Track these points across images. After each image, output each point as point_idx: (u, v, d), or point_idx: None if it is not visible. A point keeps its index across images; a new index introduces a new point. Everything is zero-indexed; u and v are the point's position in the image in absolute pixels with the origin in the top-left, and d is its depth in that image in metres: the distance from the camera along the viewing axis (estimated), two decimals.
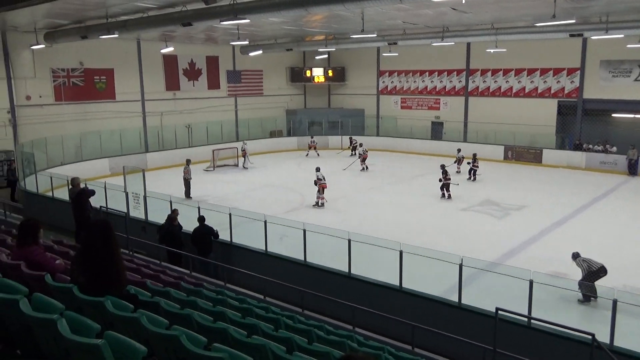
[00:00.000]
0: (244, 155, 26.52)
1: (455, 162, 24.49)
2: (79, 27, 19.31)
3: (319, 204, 18.14)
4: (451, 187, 19.60)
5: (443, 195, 19.46)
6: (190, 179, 19.78)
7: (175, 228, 11.85)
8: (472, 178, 22.70)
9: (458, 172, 23.97)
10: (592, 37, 21.63)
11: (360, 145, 26.99)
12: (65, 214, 13.66)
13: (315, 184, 18.39)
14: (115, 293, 3.73)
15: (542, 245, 14.07)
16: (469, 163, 23.08)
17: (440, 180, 19.55)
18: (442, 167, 20.02)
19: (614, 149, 25.03)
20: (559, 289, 10.05)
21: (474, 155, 23.10)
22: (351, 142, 30.29)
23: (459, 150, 24.94)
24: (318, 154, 29.62)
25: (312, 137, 30.71)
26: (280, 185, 21.84)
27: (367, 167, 25.27)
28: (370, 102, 34.68)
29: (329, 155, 30.11)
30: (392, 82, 33.82)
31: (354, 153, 28.67)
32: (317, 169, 19.03)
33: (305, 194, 20.28)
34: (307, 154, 29.69)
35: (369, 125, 34.39)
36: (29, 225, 5.01)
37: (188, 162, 20.16)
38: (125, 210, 13.50)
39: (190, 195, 19.34)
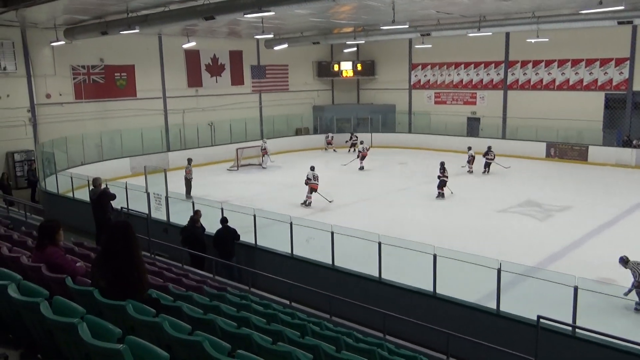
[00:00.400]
0: (264, 154, 26.62)
1: (467, 161, 24.17)
2: (98, 23, 19.73)
3: (307, 203, 18.54)
4: (448, 186, 19.66)
5: (439, 194, 19.43)
6: (192, 178, 20.12)
7: (198, 230, 11.99)
8: (486, 171, 23.66)
9: (470, 171, 23.83)
10: None
11: (361, 142, 27.08)
12: (86, 216, 13.95)
13: (306, 183, 18.78)
14: (136, 297, 3.80)
15: (587, 249, 13.78)
16: (484, 156, 23.85)
17: (438, 177, 19.63)
18: (442, 164, 19.96)
19: None
20: (606, 296, 9.82)
21: (489, 147, 24.01)
22: (351, 137, 30.45)
23: (469, 149, 24.47)
24: (335, 150, 29.86)
25: (328, 134, 31.40)
26: (306, 186, 21.85)
27: (363, 167, 25.06)
28: (402, 98, 34.47)
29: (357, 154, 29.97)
30: (425, 75, 33.55)
31: (353, 149, 28.80)
32: (312, 168, 19.40)
33: (333, 194, 20.28)
34: (326, 149, 30.38)
35: (400, 121, 34.19)
36: (49, 226, 5.15)
37: (189, 161, 20.52)
38: (147, 212, 13.70)
39: (191, 195, 19.25)
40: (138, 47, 26.12)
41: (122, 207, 13.59)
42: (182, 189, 19.63)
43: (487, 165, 23.82)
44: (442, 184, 19.56)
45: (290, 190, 21.40)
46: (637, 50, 25.40)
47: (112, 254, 3.88)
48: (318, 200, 19.52)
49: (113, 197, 13.09)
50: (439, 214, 17.34)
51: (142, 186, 14.55)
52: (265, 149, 26.66)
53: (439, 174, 19.67)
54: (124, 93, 26.22)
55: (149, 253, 11.28)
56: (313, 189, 18.68)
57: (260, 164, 26.67)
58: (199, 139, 28.21)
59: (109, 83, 25.63)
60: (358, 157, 25.53)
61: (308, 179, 18.78)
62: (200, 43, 27.68)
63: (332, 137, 31.47)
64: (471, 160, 24.11)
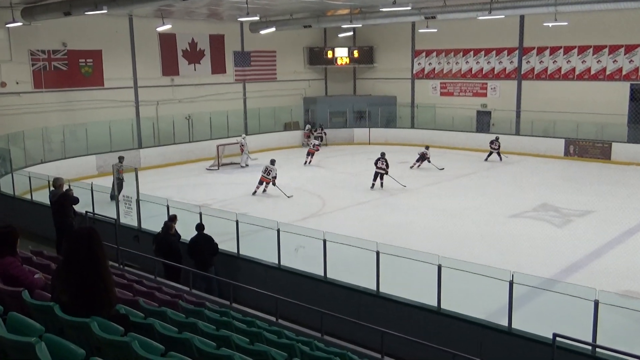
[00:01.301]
0: (243, 151, 26.57)
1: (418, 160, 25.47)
2: (61, 2, 19.64)
3: (254, 192, 20.68)
4: (385, 179, 21.24)
5: (375, 184, 21.26)
6: (123, 179, 19.28)
7: (173, 238, 11.97)
8: (500, 159, 26.61)
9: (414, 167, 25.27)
10: None
11: (316, 137, 28.54)
12: (46, 221, 13.89)
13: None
14: (102, 313, 3.79)
15: (610, 258, 13.87)
16: (492, 142, 27.00)
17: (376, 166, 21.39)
18: (382, 154, 21.63)
19: None
20: (631, 311, 9.89)
21: (497, 137, 27.16)
22: (321, 130, 31.10)
23: (427, 148, 25.56)
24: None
25: (307, 125, 32.19)
26: (296, 187, 21.89)
27: (309, 162, 26.32)
28: (404, 88, 34.59)
29: (354, 151, 30.09)
30: (430, 64, 33.68)
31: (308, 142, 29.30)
32: (272, 162, 20.94)
33: (327, 197, 20.34)
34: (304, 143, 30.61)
35: (402, 115, 34.31)
36: (5, 233, 5.12)
37: (121, 159, 20.33)
38: (115, 217, 13.67)
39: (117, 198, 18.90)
40: (106, 30, 26.04)
41: (86, 211, 13.54)
42: (157, 190, 19.55)
43: (490, 154, 26.69)
44: (376, 175, 21.28)
45: (277, 192, 21.40)
46: None
47: (75, 265, 3.86)
48: (309, 204, 19.58)
49: (76, 200, 13.04)
50: (444, 219, 17.41)
51: (110, 187, 14.49)
52: (243, 145, 26.59)
53: (378, 164, 21.35)
54: (89, 82, 26.14)
55: (118, 263, 11.25)
56: (261, 181, 20.71)
57: (239, 163, 26.63)
58: (174, 134, 28.17)
59: (72, 70, 25.54)
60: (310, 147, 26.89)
61: (262, 171, 20.80)
62: (177, 26, 27.64)
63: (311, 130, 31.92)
64: (420, 159, 25.40)
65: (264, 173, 20.73)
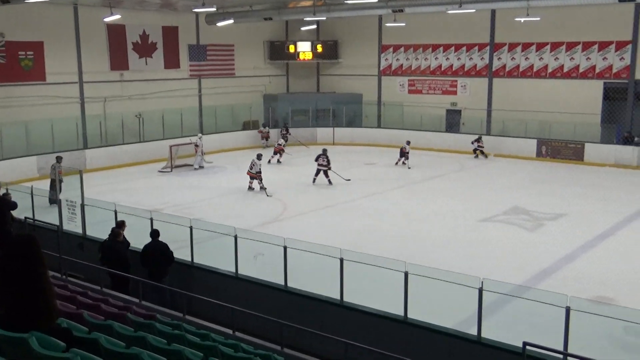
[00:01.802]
0: (197, 152, 26.37)
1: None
2: None
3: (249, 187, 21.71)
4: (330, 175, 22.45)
5: (316, 180, 22.59)
6: (62, 181, 18.27)
7: (121, 245, 11.84)
8: (486, 157, 28.37)
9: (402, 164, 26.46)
10: None
11: (284, 136, 29.48)
12: None
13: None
14: (42, 327, 3.75)
15: (582, 263, 14.24)
16: (473, 142, 28.49)
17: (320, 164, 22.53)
18: (324, 151, 23.04)
19: None
20: (603, 318, 10.16)
21: (480, 137, 28.70)
22: (286, 130, 31.48)
23: (408, 143, 26.92)
24: (266, 145, 30.96)
25: (263, 126, 32.61)
26: (255, 191, 21.86)
27: (273, 160, 27.18)
28: (370, 85, 34.86)
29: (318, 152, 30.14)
30: (398, 59, 34.02)
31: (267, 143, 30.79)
32: (258, 156, 21.96)
33: (288, 201, 20.36)
34: (266, 145, 31.07)
35: (368, 114, 34.55)
36: None
37: (59, 159, 20.15)
38: (58, 223, 13.45)
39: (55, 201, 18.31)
40: (48, 19, 25.59)
41: (25, 217, 13.29)
42: (104, 194, 19.29)
43: (481, 153, 28.58)
44: (318, 172, 22.63)
45: (236, 196, 21.34)
46: None
47: (12, 276, 3.82)
48: (269, 208, 19.57)
49: (14, 205, 12.79)
50: (412, 224, 17.60)
51: (48, 190, 14.26)
52: (198, 145, 26.35)
53: (319, 160, 22.67)
54: (30, 76, 25.63)
55: (60, 273, 11.06)
56: (249, 176, 21.54)
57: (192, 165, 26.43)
58: (124, 133, 27.84)
59: (11, 63, 24.99)
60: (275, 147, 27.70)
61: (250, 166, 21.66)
62: (127, 17, 27.34)
63: (269, 130, 32.30)
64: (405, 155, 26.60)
65: (249, 167, 21.68)
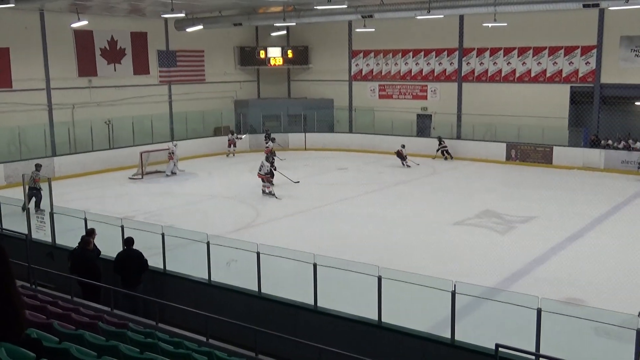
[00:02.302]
0: (171, 159, 26.18)
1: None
2: None
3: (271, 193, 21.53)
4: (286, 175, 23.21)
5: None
6: (41, 189, 18.08)
7: (91, 254, 11.68)
8: (451, 157, 29.08)
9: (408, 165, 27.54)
10: (611, 8, 22.35)
11: (273, 140, 29.11)
12: None
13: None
14: (11, 338, 3.69)
15: (553, 265, 14.42)
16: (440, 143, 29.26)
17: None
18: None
19: (639, 144, 25.89)
20: (573, 318, 10.31)
21: (440, 137, 29.51)
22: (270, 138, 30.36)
23: (403, 146, 27.91)
24: (233, 154, 30.67)
25: (232, 132, 31.80)
26: (228, 197, 21.76)
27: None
28: (341, 91, 34.99)
29: (290, 157, 30.15)
30: (368, 65, 34.21)
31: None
32: (266, 158, 22.44)
33: (260, 207, 20.30)
34: (229, 154, 30.72)
35: (339, 119, 34.66)
36: None
37: (38, 167, 19.93)
38: (26, 232, 13.23)
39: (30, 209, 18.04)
40: (14, 25, 25.23)
41: None
42: (73, 202, 19.04)
43: (444, 152, 29.29)
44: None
45: (208, 202, 21.22)
46: (605, 36, 26.92)
47: None
48: (242, 214, 19.52)
49: None
50: (384, 228, 17.67)
51: (20, 200, 14.05)
52: (173, 153, 26.24)
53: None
54: None
55: (29, 283, 10.88)
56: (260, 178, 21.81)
57: (172, 172, 26.29)
58: (93, 140, 27.53)
59: None
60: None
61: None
62: (94, 22, 27.06)
63: (237, 137, 31.60)
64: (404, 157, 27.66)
65: (258, 169, 22.08)
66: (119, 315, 9.67)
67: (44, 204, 13.74)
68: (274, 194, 21.36)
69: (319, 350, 8.59)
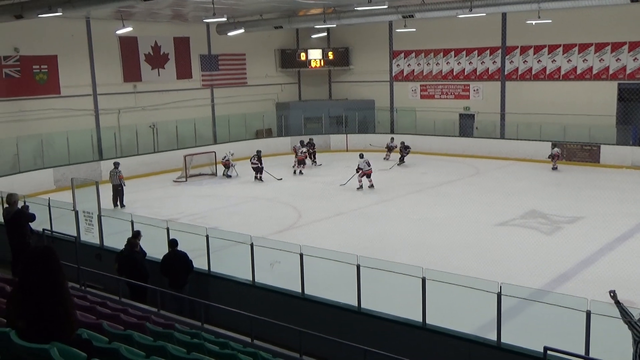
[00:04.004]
0: (228, 165, 26.40)
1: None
2: (11, 4, 19.41)
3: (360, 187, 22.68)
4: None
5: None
6: (125, 185, 21.23)
7: (137, 255, 11.87)
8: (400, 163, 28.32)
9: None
10: None
11: (312, 144, 28.96)
12: (1, 241, 13.68)
13: (357, 171, 22.76)
14: (63, 338, 3.75)
15: (602, 266, 14.07)
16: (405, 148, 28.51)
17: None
18: (258, 152, 25.53)
19: None
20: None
21: (402, 142, 28.78)
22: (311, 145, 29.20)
23: (392, 140, 29.25)
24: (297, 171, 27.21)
25: (301, 144, 27.91)
26: (270, 199, 21.88)
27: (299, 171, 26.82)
28: (382, 91, 34.84)
29: (331, 159, 30.15)
30: (409, 65, 33.99)
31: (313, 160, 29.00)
32: (360, 155, 23.29)
33: (302, 208, 20.34)
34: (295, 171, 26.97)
35: (380, 120, 34.53)
36: None
37: (116, 165, 21.44)
38: (75, 234, 13.52)
39: (118, 205, 20.83)
40: (61, 33, 25.83)
41: (44, 229, 13.35)
42: (148, 206, 19.62)
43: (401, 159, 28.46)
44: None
45: (251, 204, 21.37)
46: None
47: (31, 288, 3.83)
48: (284, 216, 19.59)
49: (32, 217, 12.86)
50: (427, 229, 17.52)
51: (69, 203, 14.35)
52: (228, 160, 26.34)
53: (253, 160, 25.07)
54: (45, 90, 25.87)
55: (79, 284, 11.11)
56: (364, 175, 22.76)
57: (213, 174, 26.54)
58: (138, 144, 27.99)
59: (26, 78, 25.24)
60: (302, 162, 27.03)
61: (359, 168, 22.77)
62: (138, 29, 27.53)
63: (305, 151, 27.76)
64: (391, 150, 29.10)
65: (362, 167, 22.73)
66: (165, 316, 9.80)
67: (91, 206, 13.99)
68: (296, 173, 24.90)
69: (363, 351, 8.56)
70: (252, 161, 25.20)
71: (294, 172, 26.44)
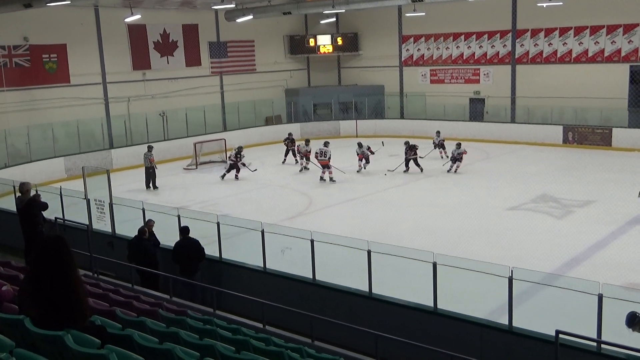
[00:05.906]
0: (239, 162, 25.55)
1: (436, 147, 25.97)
2: None
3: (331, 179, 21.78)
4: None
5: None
6: (156, 168, 21.85)
7: (148, 243, 11.93)
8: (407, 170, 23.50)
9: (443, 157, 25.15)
10: None
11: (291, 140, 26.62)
12: (12, 229, 13.78)
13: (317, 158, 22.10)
14: (76, 325, 3.79)
15: (614, 250, 14.00)
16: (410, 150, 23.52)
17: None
18: (239, 148, 23.52)
19: None
20: (637, 304, 10.02)
21: (407, 142, 23.90)
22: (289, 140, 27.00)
23: (438, 134, 26.19)
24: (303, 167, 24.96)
25: (306, 143, 25.35)
26: (280, 185, 21.90)
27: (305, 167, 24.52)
28: (392, 77, 34.68)
29: (341, 145, 30.09)
30: (419, 50, 33.77)
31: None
32: (325, 144, 22.38)
33: (313, 194, 20.35)
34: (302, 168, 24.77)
35: (390, 105, 34.40)
36: None
37: (150, 148, 21.98)
38: (87, 222, 13.61)
39: (151, 186, 21.84)
40: (70, 22, 25.84)
41: (56, 218, 13.46)
42: (132, 193, 19.54)
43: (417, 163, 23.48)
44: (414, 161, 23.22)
45: (262, 191, 21.41)
46: None
47: (44, 275, 3.85)
48: (295, 203, 19.61)
49: (44, 206, 12.95)
50: (438, 214, 17.50)
51: (81, 191, 14.42)
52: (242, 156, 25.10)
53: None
54: (54, 79, 25.94)
55: (91, 272, 11.20)
56: (322, 165, 21.97)
57: (223, 161, 26.24)
58: (148, 132, 28.03)
59: (35, 67, 25.32)
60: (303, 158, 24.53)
61: (316, 153, 22.16)
62: (147, 16, 27.49)
63: (309, 150, 24.69)
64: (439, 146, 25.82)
65: (321, 155, 22.01)
66: (177, 302, 9.87)
67: (103, 194, 14.05)
68: (332, 179, 21.90)
69: (374, 336, 8.60)
70: (231, 158, 23.26)
71: (300, 170, 24.48)
